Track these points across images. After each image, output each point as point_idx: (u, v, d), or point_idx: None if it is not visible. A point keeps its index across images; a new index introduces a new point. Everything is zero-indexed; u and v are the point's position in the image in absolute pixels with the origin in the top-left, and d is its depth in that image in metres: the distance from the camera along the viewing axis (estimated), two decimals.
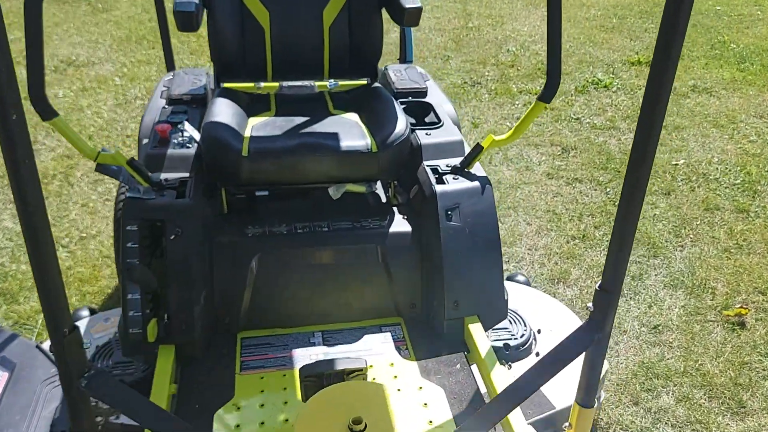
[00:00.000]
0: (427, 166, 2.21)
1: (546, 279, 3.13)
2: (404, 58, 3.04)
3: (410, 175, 2.29)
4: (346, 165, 2.12)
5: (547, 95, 1.98)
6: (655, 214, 3.62)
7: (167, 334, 1.92)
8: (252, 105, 2.38)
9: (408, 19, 2.25)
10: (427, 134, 2.32)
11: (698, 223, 3.56)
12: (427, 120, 2.47)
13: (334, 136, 2.14)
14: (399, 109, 2.27)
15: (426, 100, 2.56)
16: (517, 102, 5.00)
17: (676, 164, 4.14)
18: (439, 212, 2.06)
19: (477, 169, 2.21)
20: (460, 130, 2.49)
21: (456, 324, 2.07)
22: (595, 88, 5.26)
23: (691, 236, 3.45)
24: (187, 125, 2.22)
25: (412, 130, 2.33)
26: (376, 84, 2.51)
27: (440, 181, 2.14)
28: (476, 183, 2.13)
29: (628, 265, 3.20)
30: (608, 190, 3.84)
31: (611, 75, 5.48)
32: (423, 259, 2.14)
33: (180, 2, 2.14)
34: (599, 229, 3.49)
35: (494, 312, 2.12)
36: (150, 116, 2.42)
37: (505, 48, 6.07)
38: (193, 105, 2.44)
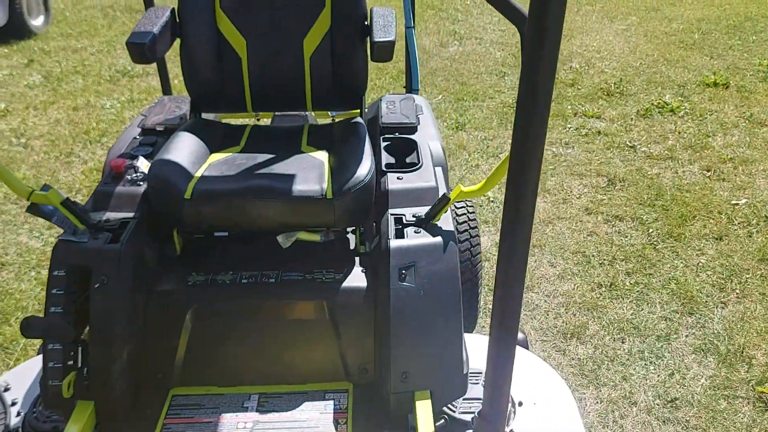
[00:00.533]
0: (392, 214, 1.99)
1: (558, 333, 2.82)
2: (410, 87, 2.83)
3: (377, 222, 2.08)
4: (297, 211, 1.94)
5: None
6: (699, 263, 3.23)
7: (85, 389, 1.80)
8: (222, 139, 2.24)
9: (378, 53, 2.05)
10: (398, 178, 2.09)
11: (749, 276, 3.14)
12: (408, 161, 2.25)
13: (289, 179, 1.97)
14: (368, 149, 2.06)
15: (413, 137, 2.33)
16: (569, 125, 4.65)
17: (736, 204, 3.70)
18: (391, 271, 1.83)
19: (445, 221, 1.97)
20: (446, 173, 2.25)
21: (404, 398, 1.84)
22: (659, 112, 4.83)
23: (738, 291, 3.04)
24: (141, 161, 2.10)
25: (386, 172, 2.12)
26: (357, 119, 2.31)
27: (400, 234, 1.91)
28: (438, 239, 1.89)
29: (656, 322, 2.91)
30: (651, 231, 3.47)
31: (680, 97, 5.03)
32: (376, 319, 1.93)
33: (135, 32, 2.03)
34: (631, 276, 3.14)
35: (450, 387, 1.87)
36: (118, 146, 2.32)
37: (568, 65, 5.71)
38: (166, 135, 2.33)
